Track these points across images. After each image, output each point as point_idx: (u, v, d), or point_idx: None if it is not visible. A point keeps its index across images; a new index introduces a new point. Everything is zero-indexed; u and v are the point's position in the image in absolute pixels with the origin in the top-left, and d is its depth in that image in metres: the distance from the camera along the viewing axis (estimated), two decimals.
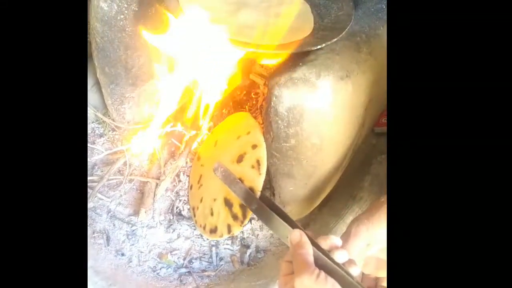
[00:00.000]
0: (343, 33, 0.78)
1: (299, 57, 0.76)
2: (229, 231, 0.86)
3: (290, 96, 0.72)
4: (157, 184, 0.96)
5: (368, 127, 0.94)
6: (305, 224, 0.95)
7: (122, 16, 0.81)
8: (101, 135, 1.04)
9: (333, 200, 0.97)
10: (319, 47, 0.76)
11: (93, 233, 0.91)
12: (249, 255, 0.92)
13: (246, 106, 1.10)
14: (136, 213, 0.94)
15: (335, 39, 0.77)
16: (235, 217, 0.85)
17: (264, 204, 0.71)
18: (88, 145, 1.00)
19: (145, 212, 0.92)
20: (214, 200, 0.89)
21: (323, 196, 0.92)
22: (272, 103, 0.74)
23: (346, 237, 0.61)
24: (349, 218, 0.93)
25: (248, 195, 0.77)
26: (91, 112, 1.03)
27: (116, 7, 0.80)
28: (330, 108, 0.74)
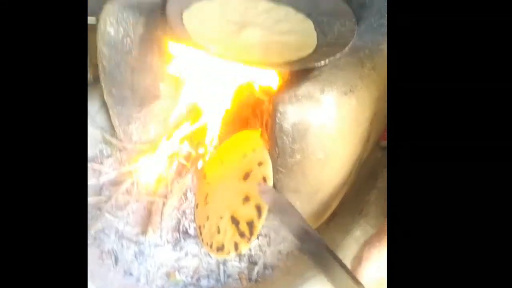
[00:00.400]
0: (346, 48, 0.79)
1: (303, 74, 0.77)
2: (236, 248, 0.86)
3: (294, 112, 0.73)
4: (164, 203, 0.97)
5: (373, 141, 0.95)
6: None
7: (128, 40, 0.83)
8: (108, 156, 1.05)
9: (340, 215, 0.96)
10: (323, 63, 0.77)
11: (102, 253, 0.91)
12: (257, 272, 0.91)
13: (251, 123, 1.10)
14: (143, 232, 0.94)
15: (338, 55, 0.78)
16: (242, 234, 0.85)
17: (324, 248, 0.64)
18: (96, 165, 1.01)
19: (153, 231, 0.92)
20: (221, 218, 0.89)
21: (329, 211, 0.92)
22: (277, 119, 0.75)
23: (358, 260, 0.61)
24: (356, 233, 0.92)
25: (304, 232, 0.70)
26: (98, 133, 1.04)
27: (122, 31, 0.82)
28: (335, 123, 0.74)
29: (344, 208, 0.96)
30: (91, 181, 0.99)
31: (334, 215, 0.95)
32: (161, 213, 0.95)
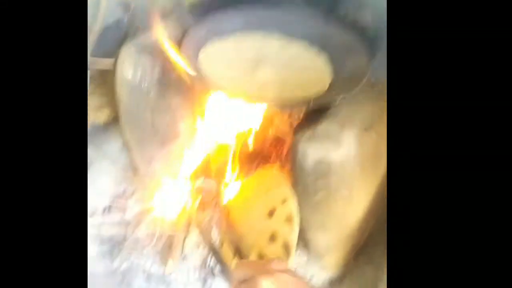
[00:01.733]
0: (362, 83, 0.77)
1: (321, 110, 0.76)
2: None
3: (314, 151, 0.72)
4: (185, 237, 0.97)
5: None
6: (342, 277, 0.92)
7: (146, 83, 0.84)
8: (133, 194, 1.06)
9: (369, 247, 0.94)
10: (338, 100, 0.75)
11: None
12: None
13: (273, 159, 1.09)
14: (163, 263, 0.94)
15: (353, 91, 0.76)
16: None
17: None
18: (120, 202, 1.02)
19: (173, 263, 0.93)
20: (247, 257, 0.88)
21: (358, 244, 0.90)
22: (297, 159, 0.74)
23: None
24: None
25: None
26: (121, 172, 1.05)
27: (139, 74, 0.83)
28: (356, 159, 0.73)
29: (373, 240, 0.94)
30: (115, 217, 0.99)
31: (364, 247, 0.92)
32: (182, 247, 0.96)
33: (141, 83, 0.84)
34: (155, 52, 0.84)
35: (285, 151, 1.02)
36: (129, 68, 0.83)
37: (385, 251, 0.90)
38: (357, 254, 0.91)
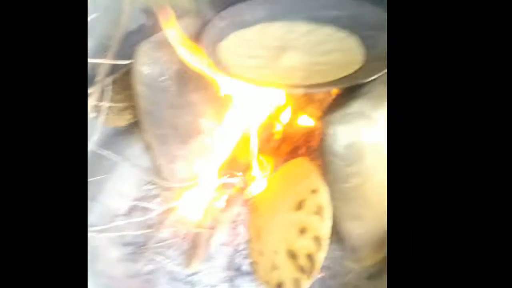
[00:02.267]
0: None
1: (352, 92, 0.72)
2: (298, 285, 0.80)
3: (346, 133, 0.67)
4: (211, 235, 0.93)
5: None
6: (381, 271, 0.86)
7: (165, 77, 0.81)
8: (155, 196, 1.03)
9: None
10: (371, 78, 0.71)
11: None
12: None
13: (303, 153, 1.06)
14: (188, 264, 0.91)
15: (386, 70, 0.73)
16: (302, 269, 0.79)
17: None
18: (143, 204, 0.99)
19: (197, 263, 0.90)
20: (276, 252, 0.84)
21: None
22: (327, 142, 0.69)
23: None
24: None
25: None
26: (144, 175, 1.03)
27: (158, 69, 0.81)
28: None
29: None
30: (138, 218, 0.96)
31: None
32: (208, 245, 0.92)
33: (159, 78, 0.82)
34: (173, 48, 0.82)
35: (316, 143, 0.98)
36: (147, 65, 0.81)
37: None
38: None
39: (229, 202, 0.98)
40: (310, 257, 0.78)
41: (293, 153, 1.02)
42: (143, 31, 0.91)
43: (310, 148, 1.03)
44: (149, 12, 1.23)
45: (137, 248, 0.95)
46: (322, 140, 0.72)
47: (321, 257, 0.77)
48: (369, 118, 0.66)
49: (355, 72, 0.75)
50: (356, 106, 0.68)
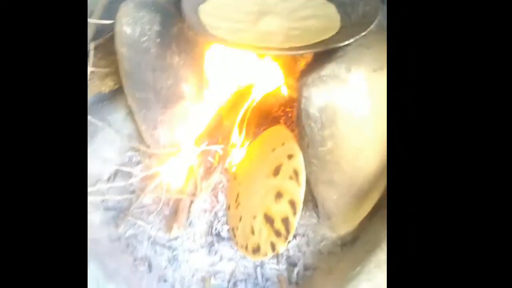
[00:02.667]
0: (371, 27, 0.74)
1: (327, 56, 0.72)
2: (273, 249, 0.81)
3: (320, 95, 0.67)
4: (191, 201, 0.94)
5: None
6: (355, 236, 0.87)
7: (145, 38, 0.81)
8: (138, 163, 1.04)
9: (384, 208, 0.89)
10: (346, 42, 0.72)
11: (135, 260, 0.89)
12: (297, 274, 0.86)
13: (281, 120, 1.06)
14: (168, 230, 0.91)
15: (363, 33, 0.73)
16: (278, 233, 0.80)
17: None
18: (126, 168, 1.00)
19: (178, 228, 0.90)
20: (254, 217, 0.85)
21: (371, 203, 0.86)
22: (302, 105, 0.70)
23: None
24: None
25: None
26: (126, 141, 1.03)
27: (139, 29, 0.80)
28: (366, 103, 0.68)
29: (383, 203, 0.89)
30: (121, 183, 0.97)
31: (378, 207, 0.88)
32: (188, 211, 0.93)
33: (141, 39, 0.82)
34: (154, 7, 0.82)
35: (294, 110, 0.98)
36: (128, 24, 0.80)
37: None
38: (371, 214, 0.87)
39: (210, 170, 0.99)
40: (285, 221, 0.79)
41: (272, 122, 1.02)
42: None
43: (289, 118, 1.03)
44: None
45: (119, 212, 0.96)
46: (298, 103, 0.72)
47: (295, 221, 0.78)
48: (342, 80, 0.66)
49: (331, 37, 0.75)
50: (329, 68, 0.68)
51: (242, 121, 1.01)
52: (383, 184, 0.84)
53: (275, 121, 1.04)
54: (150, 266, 0.88)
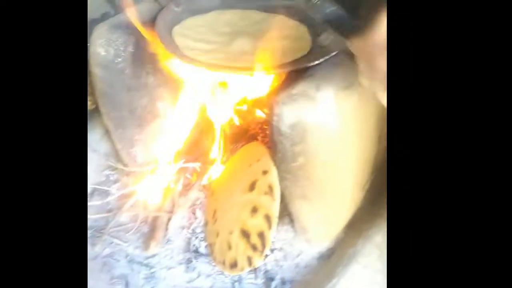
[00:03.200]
0: (341, 48, 0.76)
1: (298, 75, 0.75)
2: (250, 263, 0.82)
3: (290, 113, 0.70)
4: (169, 218, 0.95)
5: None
6: (331, 248, 0.89)
7: (120, 59, 0.83)
8: (115, 181, 1.04)
9: (360, 221, 0.91)
10: (317, 62, 0.74)
11: (112, 279, 0.89)
12: None
13: (259, 137, 1.08)
14: (146, 247, 0.92)
15: (333, 53, 0.76)
16: (254, 247, 0.82)
17: None
18: (103, 188, 1.00)
19: (155, 245, 0.91)
20: (231, 233, 0.86)
21: (346, 216, 0.87)
22: (274, 122, 0.72)
23: None
24: (377, 239, 0.87)
25: None
26: (103, 160, 1.04)
27: (113, 51, 0.82)
28: (334, 120, 0.71)
29: (364, 213, 0.91)
30: (98, 202, 0.97)
31: (354, 221, 0.90)
32: (166, 228, 0.94)
33: (115, 60, 0.83)
34: (128, 29, 0.84)
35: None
36: (101, 46, 0.82)
37: (375, 222, 0.89)
38: (347, 227, 0.89)
39: (187, 187, 1.00)
40: (261, 235, 0.80)
41: (250, 139, 1.04)
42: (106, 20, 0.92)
43: (266, 134, 1.05)
44: (112, 1, 1.24)
45: (96, 231, 0.96)
46: (270, 121, 0.74)
47: (271, 235, 0.80)
48: (312, 98, 0.69)
49: (302, 57, 0.77)
50: (300, 87, 0.70)
51: (219, 138, 1.02)
52: (357, 197, 0.86)
53: (252, 138, 1.05)
54: (127, 285, 0.88)
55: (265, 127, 1.07)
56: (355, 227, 0.92)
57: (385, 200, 0.95)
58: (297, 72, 0.75)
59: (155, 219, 0.96)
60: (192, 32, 0.85)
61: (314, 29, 0.86)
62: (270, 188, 0.80)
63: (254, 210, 0.82)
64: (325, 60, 0.75)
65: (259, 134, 1.07)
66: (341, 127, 0.72)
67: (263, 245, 0.80)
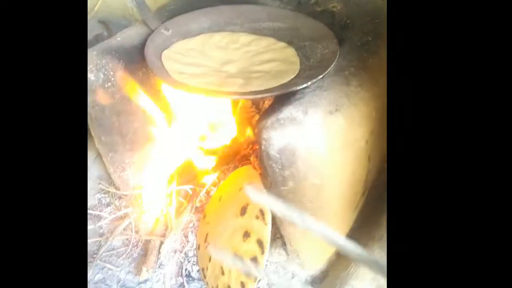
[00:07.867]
0: (329, 69, 0.77)
1: (286, 98, 0.75)
2: None
3: (279, 137, 0.69)
4: (161, 242, 0.94)
5: (378, 162, 0.89)
6: (324, 271, 0.88)
7: (109, 84, 0.83)
8: (108, 204, 1.03)
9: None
10: (304, 85, 0.74)
11: None
12: None
13: (251, 158, 1.08)
14: (138, 273, 0.91)
15: (321, 76, 0.76)
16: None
17: None
18: (95, 212, 0.99)
19: (147, 270, 0.90)
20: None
21: None
22: (262, 147, 0.71)
23: None
24: None
25: None
26: (95, 183, 1.03)
27: (102, 76, 0.82)
28: (323, 144, 0.71)
29: (356, 234, 0.90)
30: (90, 226, 0.97)
31: None
32: (158, 252, 0.93)
33: (104, 83, 0.83)
34: (117, 54, 0.84)
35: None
36: (91, 71, 0.82)
37: (369, 245, 0.88)
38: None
39: (180, 210, 0.99)
40: (254, 260, 0.80)
41: (242, 160, 1.04)
42: (99, 41, 0.93)
43: (257, 155, 1.05)
44: (106, 23, 1.25)
45: (89, 256, 0.95)
46: (259, 145, 0.74)
47: (264, 260, 0.79)
48: (299, 123, 0.68)
49: (290, 80, 0.78)
50: (287, 111, 0.70)
51: (212, 160, 1.02)
52: (348, 218, 0.85)
53: (244, 159, 1.05)
54: None
55: (257, 147, 1.07)
56: None
57: (377, 221, 0.95)
58: (285, 95, 0.75)
59: (147, 243, 0.95)
60: (181, 56, 0.85)
61: (302, 50, 0.87)
62: (262, 212, 0.79)
63: (246, 234, 0.81)
64: (312, 84, 0.75)
65: (250, 155, 1.07)
66: (329, 150, 0.72)
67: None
